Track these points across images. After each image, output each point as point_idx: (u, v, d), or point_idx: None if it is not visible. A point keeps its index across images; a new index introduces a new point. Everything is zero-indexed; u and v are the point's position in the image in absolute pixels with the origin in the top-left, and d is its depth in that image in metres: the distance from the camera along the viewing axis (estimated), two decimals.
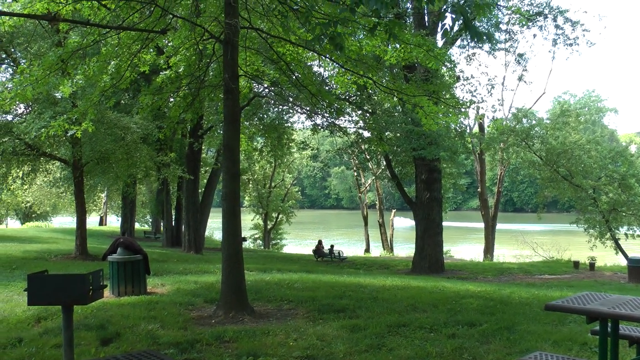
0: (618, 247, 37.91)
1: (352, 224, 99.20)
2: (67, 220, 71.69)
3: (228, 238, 11.70)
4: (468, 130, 42.06)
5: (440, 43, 29.52)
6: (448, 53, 23.09)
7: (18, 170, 27.34)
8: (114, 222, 73.28)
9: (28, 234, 43.39)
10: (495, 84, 36.62)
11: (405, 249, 54.37)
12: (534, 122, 41.46)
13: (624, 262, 34.72)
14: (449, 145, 28.03)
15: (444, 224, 31.21)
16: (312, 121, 30.44)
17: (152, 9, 12.82)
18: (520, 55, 37.56)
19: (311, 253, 39.37)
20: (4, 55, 24.82)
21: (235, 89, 11.78)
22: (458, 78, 31.24)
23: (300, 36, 13.42)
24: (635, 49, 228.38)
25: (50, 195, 59.03)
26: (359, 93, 28.01)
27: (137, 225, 61.51)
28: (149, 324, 9.92)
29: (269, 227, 62.43)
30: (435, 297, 13.41)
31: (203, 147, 37.21)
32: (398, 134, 28.99)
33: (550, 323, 10.34)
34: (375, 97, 28.12)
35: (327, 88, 23.40)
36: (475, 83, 55.01)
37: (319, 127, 30.63)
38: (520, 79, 42.13)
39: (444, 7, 7.58)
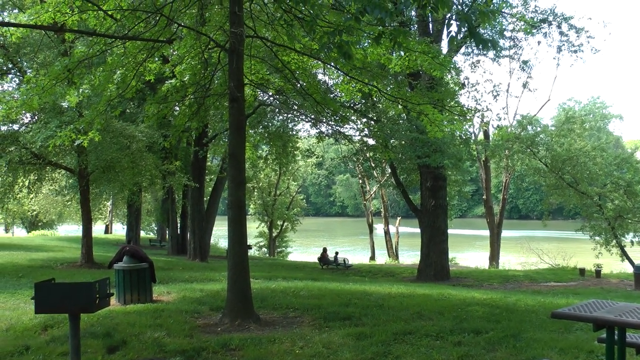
0: (624, 254, 37.78)
1: (357, 231, 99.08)
2: (72, 229, 71.75)
3: (234, 246, 11.71)
4: (473, 138, 42.11)
5: (444, 50, 29.57)
6: (453, 60, 23.11)
7: (24, 179, 27.36)
8: (120, 231, 73.30)
9: (34, 242, 43.45)
10: (500, 91, 36.41)
11: (410, 257, 54.31)
12: (538, 129, 41.48)
13: (630, 269, 34.61)
14: (454, 153, 28.01)
15: (449, 231, 31.17)
16: (317, 129, 30.50)
17: (158, 18, 12.87)
18: (525, 62, 37.53)
19: (316, 261, 39.33)
20: (10, 65, 24.90)
21: (240, 98, 11.81)
22: (463, 85, 31.25)
23: (305, 44, 13.47)
24: None
25: (56, 203, 59.12)
26: (363, 101, 28.03)
27: (142, 234, 61.46)
28: (155, 332, 9.94)
29: (274, 234, 62.41)
30: (441, 305, 13.40)
31: (208, 155, 37.27)
32: (403, 142, 28.99)
33: (556, 331, 10.32)
34: (380, 105, 28.13)
35: (332, 96, 23.48)
36: (481, 90, 55.09)
37: (324, 135, 30.67)
38: (524, 86, 42.06)
39: (449, 14, 7.62)
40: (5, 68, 25.31)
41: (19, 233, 71.89)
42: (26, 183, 28.24)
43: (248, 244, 14.41)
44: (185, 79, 14.79)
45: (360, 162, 42.67)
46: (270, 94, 23.32)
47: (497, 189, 65.35)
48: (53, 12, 11.92)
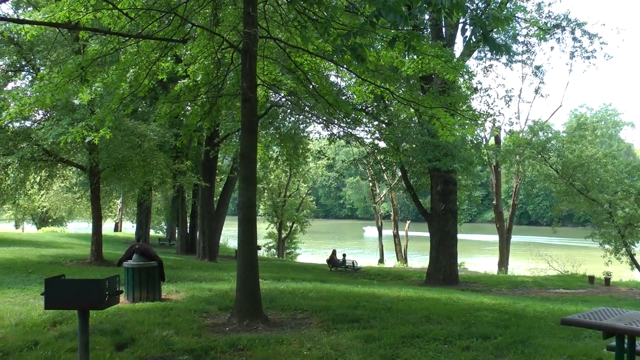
0: (634, 263, 37.60)
1: (367, 234, 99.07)
2: (82, 226, 71.81)
3: (243, 246, 11.73)
4: (484, 143, 42.00)
5: (457, 54, 29.53)
6: (465, 64, 23.07)
7: (35, 176, 27.46)
8: (129, 229, 73.39)
9: (44, 238, 43.52)
10: (512, 96, 36.31)
11: (419, 260, 54.25)
12: (550, 135, 41.37)
13: (639, 278, 34.51)
14: (465, 157, 27.95)
15: (459, 236, 31.08)
16: (328, 131, 30.44)
17: (172, 18, 12.93)
18: (538, 67, 37.40)
19: (325, 263, 39.30)
20: (23, 63, 24.99)
21: (253, 98, 11.83)
22: (475, 90, 31.21)
23: (318, 46, 13.47)
24: None
25: (66, 200, 59.23)
26: (375, 104, 28.01)
27: (152, 232, 61.61)
28: (164, 330, 9.96)
29: (283, 236, 62.39)
30: (450, 309, 13.39)
31: (219, 155, 37.26)
32: (414, 145, 28.95)
33: (565, 338, 10.30)
34: (392, 108, 28.12)
35: (344, 98, 23.45)
36: (493, 95, 54.99)
37: (335, 137, 30.65)
38: (537, 91, 41.93)
39: (463, 19, 7.61)
40: (18, 65, 25.41)
41: (29, 229, 72.03)
42: (37, 179, 28.35)
43: (257, 244, 14.43)
44: (198, 79, 14.84)
45: (370, 165, 42.62)
46: (283, 95, 23.29)
47: (507, 195, 65.12)
48: (67, 10, 11.97)
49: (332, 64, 15.36)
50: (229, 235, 55.70)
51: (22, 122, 24.24)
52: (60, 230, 67.25)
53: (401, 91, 16.67)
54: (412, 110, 17.01)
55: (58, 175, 29.92)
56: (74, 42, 22.20)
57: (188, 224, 43.41)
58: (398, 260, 54.06)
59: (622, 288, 29.81)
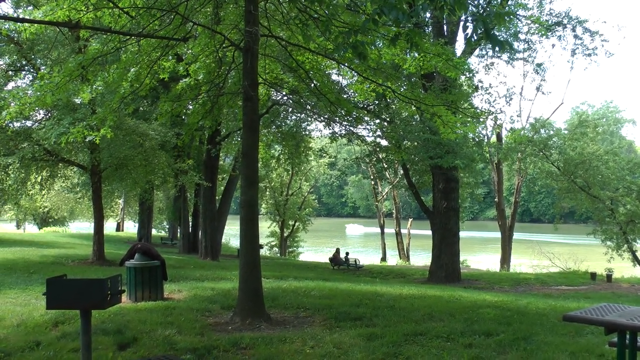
0: (635, 259, 37.60)
1: (369, 232, 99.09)
2: (84, 226, 71.88)
3: (246, 245, 11.73)
4: (486, 140, 42.00)
5: (459, 52, 29.51)
6: (467, 62, 23.03)
7: (37, 176, 27.46)
8: (131, 228, 73.46)
9: (46, 238, 43.54)
10: (514, 94, 36.35)
11: (421, 258, 54.24)
12: (551, 132, 41.28)
13: None
14: (466, 154, 27.93)
15: (461, 233, 31.08)
16: (330, 129, 30.43)
17: (173, 16, 12.90)
18: (539, 65, 37.30)
19: (327, 261, 39.31)
20: (24, 62, 24.97)
21: (254, 97, 11.83)
22: (476, 88, 31.19)
23: (319, 44, 13.46)
24: None
25: (68, 200, 59.33)
26: (377, 102, 27.98)
27: (154, 232, 61.60)
28: (166, 330, 9.96)
29: (285, 234, 62.39)
30: (452, 307, 13.38)
31: (221, 154, 37.26)
32: (416, 143, 28.94)
33: (567, 334, 10.28)
34: (394, 106, 28.10)
35: (345, 96, 23.43)
36: (494, 93, 55.00)
37: (337, 135, 30.64)
38: (538, 89, 41.93)
39: (464, 16, 7.59)
40: (19, 65, 25.39)
41: (31, 229, 72.07)
42: (39, 179, 28.34)
43: (260, 243, 14.43)
44: (199, 78, 14.82)
45: (372, 163, 42.63)
46: (284, 93, 23.26)
47: (509, 192, 65.13)
48: (68, 9, 11.94)
49: (333, 62, 15.34)
50: (231, 234, 55.81)
51: (23, 122, 24.23)
52: (62, 230, 67.29)
53: (403, 89, 16.60)
54: (413, 108, 16.96)
55: (59, 175, 29.91)
56: (74, 42, 22.17)
57: (190, 223, 43.44)
58: (400, 258, 54.05)
59: (624, 284, 29.79)
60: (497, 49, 6.93)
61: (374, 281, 25.23)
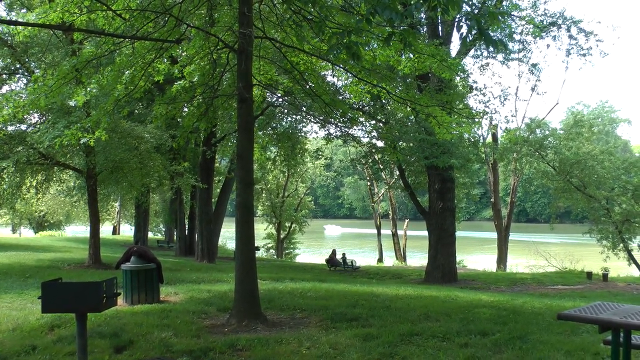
0: (631, 258, 37.65)
1: (365, 233, 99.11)
2: (80, 230, 71.76)
3: (242, 247, 11.72)
4: (481, 140, 42.05)
5: (454, 53, 29.54)
6: (461, 63, 23.05)
7: (32, 180, 27.38)
8: (127, 231, 73.34)
9: (41, 243, 43.49)
10: (509, 94, 36.38)
11: (418, 259, 54.28)
12: (547, 132, 41.36)
13: (637, 273, 34.58)
14: (462, 154, 27.96)
15: (457, 234, 31.11)
16: (325, 130, 30.46)
17: (167, 19, 12.90)
18: (534, 65, 37.36)
19: (324, 262, 39.30)
20: (18, 65, 24.93)
21: (249, 99, 11.83)
22: (471, 88, 31.21)
23: (314, 45, 13.46)
24: None
25: (63, 204, 59.21)
26: (372, 103, 28.00)
27: (150, 235, 61.54)
28: (162, 332, 9.95)
29: (281, 236, 62.40)
30: (448, 307, 13.39)
31: (216, 156, 37.26)
32: (411, 144, 28.96)
33: (562, 333, 10.30)
34: (389, 107, 28.11)
35: (340, 97, 23.43)
36: (489, 94, 55.03)
37: (333, 137, 30.64)
38: (533, 89, 42.14)
39: (458, 17, 7.60)
40: (13, 68, 25.34)
41: (27, 234, 71.94)
42: (34, 183, 28.27)
43: (256, 245, 14.42)
44: (194, 80, 14.81)
45: (368, 165, 42.66)
46: (279, 95, 23.28)
47: (505, 192, 65.26)
48: (61, 11, 11.93)
49: (328, 63, 15.33)
50: (228, 236, 55.67)
51: (18, 125, 24.18)
52: (58, 234, 67.07)
53: (398, 90, 16.62)
54: (408, 109, 16.97)
55: (55, 178, 29.80)
56: (68, 44, 22.13)
57: (186, 226, 43.37)
58: (397, 259, 54.10)
59: (619, 283, 29.80)
60: (491, 48, 6.92)
61: (370, 282, 25.21)
